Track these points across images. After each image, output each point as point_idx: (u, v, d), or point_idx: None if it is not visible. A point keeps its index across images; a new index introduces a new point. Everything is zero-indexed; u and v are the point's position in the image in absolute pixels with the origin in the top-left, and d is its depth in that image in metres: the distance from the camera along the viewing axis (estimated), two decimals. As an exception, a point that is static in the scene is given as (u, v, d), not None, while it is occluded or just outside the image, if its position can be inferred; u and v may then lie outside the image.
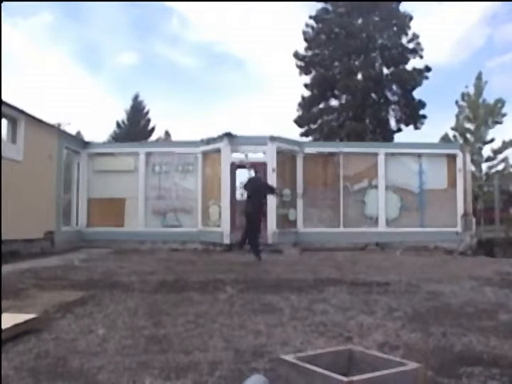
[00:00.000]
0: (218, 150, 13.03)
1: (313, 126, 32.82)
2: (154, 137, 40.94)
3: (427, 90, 50.60)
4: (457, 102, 30.14)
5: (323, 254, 11.22)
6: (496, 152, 28.99)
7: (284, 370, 2.23)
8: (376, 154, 13.81)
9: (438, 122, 60.31)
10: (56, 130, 12.97)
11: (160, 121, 61.90)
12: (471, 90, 29.76)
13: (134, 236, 13.18)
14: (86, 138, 21.71)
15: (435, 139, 31.13)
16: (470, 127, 29.59)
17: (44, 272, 7.31)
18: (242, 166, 13.05)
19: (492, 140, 29.28)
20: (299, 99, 33.22)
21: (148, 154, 13.89)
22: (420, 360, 2.51)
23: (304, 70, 32.74)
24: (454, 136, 30.13)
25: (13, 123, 10.39)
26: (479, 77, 29.64)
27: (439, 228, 13.18)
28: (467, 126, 29.72)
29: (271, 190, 10.12)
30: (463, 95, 29.89)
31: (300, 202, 13.47)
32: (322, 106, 33.00)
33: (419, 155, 13.95)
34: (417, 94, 32.21)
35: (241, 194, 13.63)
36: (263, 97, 65.79)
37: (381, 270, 7.90)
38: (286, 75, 64.42)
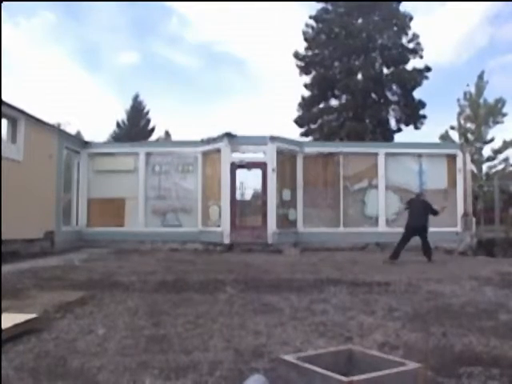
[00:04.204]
0: (218, 150, 13.03)
1: (313, 126, 32.81)
2: (154, 137, 40.95)
3: (429, 90, 50.57)
4: (458, 100, 30.00)
5: (323, 254, 11.22)
6: (496, 152, 28.93)
7: (284, 370, 2.22)
8: (376, 154, 13.82)
9: (439, 122, 60.28)
10: (56, 130, 12.97)
11: (160, 121, 61.97)
12: (472, 90, 29.68)
13: (133, 236, 13.18)
14: (86, 138, 21.64)
15: (435, 139, 31.11)
16: (470, 127, 29.51)
17: (44, 272, 7.30)
18: (242, 165, 13.07)
19: (492, 140, 29.23)
20: (299, 99, 33.23)
21: (148, 154, 13.89)
22: (420, 360, 2.51)
23: (304, 70, 32.74)
24: (454, 135, 30.05)
25: (13, 123, 10.39)
26: (481, 76, 29.56)
27: (439, 228, 13.16)
28: (468, 126, 29.64)
29: (434, 212, 10.48)
30: (465, 94, 29.77)
31: (300, 202, 13.48)
32: (322, 105, 33.00)
33: (419, 155, 13.95)
34: (418, 93, 32.22)
35: (241, 194, 13.65)
36: (263, 97, 65.79)
37: (381, 270, 7.90)
38: (286, 75, 64.49)
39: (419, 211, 10.19)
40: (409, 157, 14.05)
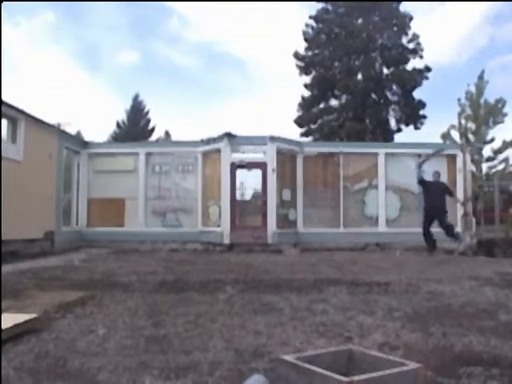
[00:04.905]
0: (218, 150, 13.03)
1: (313, 126, 32.85)
2: (154, 137, 41.01)
3: (429, 90, 50.74)
4: (459, 100, 29.90)
5: (323, 254, 11.22)
6: (496, 152, 28.92)
7: (284, 370, 2.22)
8: (376, 154, 13.83)
9: (439, 122, 60.33)
10: (56, 130, 12.97)
11: (160, 121, 62.13)
12: (473, 89, 29.62)
13: (133, 236, 13.19)
14: (86, 138, 21.74)
15: (436, 139, 31.09)
16: (471, 126, 29.45)
17: (44, 272, 7.30)
18: (242, 166, 13.07)
19: (492, 140, 29.22)
20: (299, 99, 33.27)
21: (148, 154, 13.90)
22: (420, 360, 2.51)
23: (304, 70, 32.78)
24: (455, 135, 29.98)
25: (13, 123, 10.39)
26: (481, 76, 29.51)
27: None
28: (468, 126, 29.57)
29: (450, 193, 11.02)
30: (467, 94, 29.68)
31: (300, 202, 13.48)
32: (322, 106, 33.04)
33: (419, 155, 13.95)
34: (418, 94, 32.27)
35: (241, 194, 13.65)
36: (263, 97, 65.90)
37: (381, 270, 7.89)
38: (286, 75, 64.62)
39: (436, 192, 10.43)
40: (409, 157, 14.06)
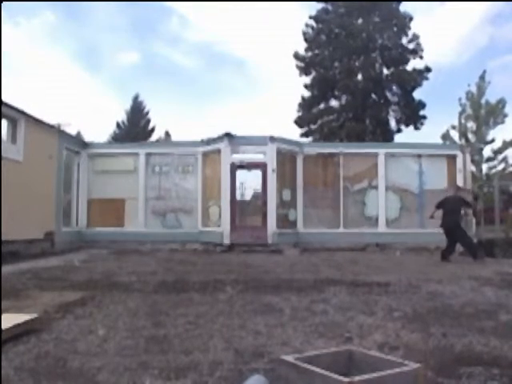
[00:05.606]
0: (218, 151, 13.03)
1: (313, 127, 32.81)
2: (154, 137, 40.95)
3: (429, 91, 50.67)
4: (460, 100, 29.78)
5: (323, 254, 11.23)
6: (496, 152, 28.88)
7: (284, 371, 2.23)
8: (376, 155, 13.82)
9: (439, 123, 60.32)
10: (56, 131, 12.97)
11: (160, 121, 62.05)
12: (474, 90, 29.55)
13: (134, 236, 13.18)
14: (86, 139, 21.75)
15: (435, 139, 31.08)
16: (472, 126, 29.37)
17: (44, 272, 7.31)
18: (242, 166, 13.06)
19: (493, 140, 29.17)
20: (299, 100, 33.24)
21: (148, 155, 13.89)
22: (420, 360, 2.51)
23: (304, 71, 32.75)
24: (456, 135, 29.91)
25: (13, 123, 10.40)
26: (482, 76, 29.44)
27: (439, 228, 13.15)
28: (469, 125, 29.50)
29: (468, 205, 11.07)
30: (468, 94, 29.59)
31: (300, 203, 13.48)
32: (322, 106, 33.00)
33: (419, 156, 13.95)
34: (419, 94, 32.22)
35: (241, 195, 13.64)
36: (263, 97, 65.91)
37: (381, 271, 7.89)
38: (286, 75, 64.64)
39: (453, 209, 10.47)
40: (409, 157, 14.06)
